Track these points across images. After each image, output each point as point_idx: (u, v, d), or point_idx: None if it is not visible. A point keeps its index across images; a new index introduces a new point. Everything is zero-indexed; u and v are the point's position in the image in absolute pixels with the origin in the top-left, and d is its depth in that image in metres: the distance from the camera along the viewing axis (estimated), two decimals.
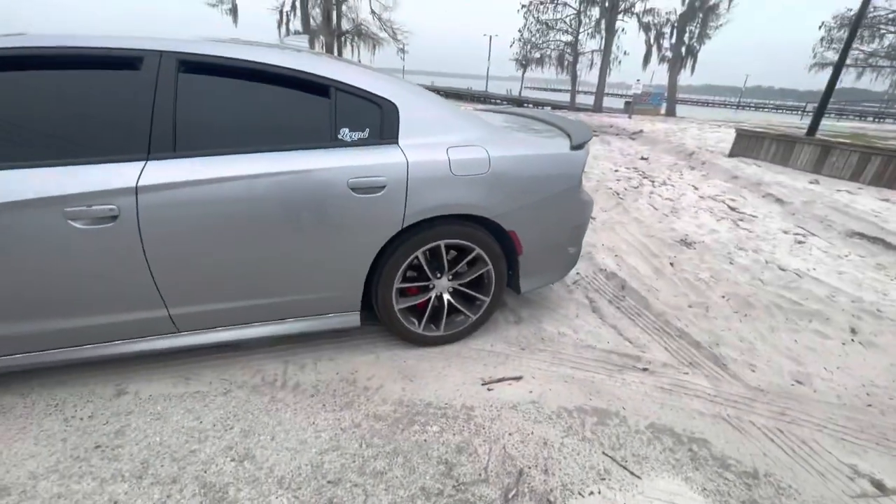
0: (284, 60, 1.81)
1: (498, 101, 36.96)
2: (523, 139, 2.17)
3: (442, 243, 2.07)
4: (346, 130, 1.88)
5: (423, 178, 1.91)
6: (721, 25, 21.90)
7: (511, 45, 27.49)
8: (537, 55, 26.76)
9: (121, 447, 1.63)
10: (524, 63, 27.56)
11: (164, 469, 1.55)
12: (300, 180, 1.76)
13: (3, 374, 1.85)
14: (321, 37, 21.98)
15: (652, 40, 23.35)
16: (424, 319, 2.24)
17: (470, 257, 2.17)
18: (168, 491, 1.47)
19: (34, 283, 1.61)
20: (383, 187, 1.86)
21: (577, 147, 2.22)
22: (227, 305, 1.87)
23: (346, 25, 22.95)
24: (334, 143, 1.86)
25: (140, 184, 1.60)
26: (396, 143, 1.92)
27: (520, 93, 40.94)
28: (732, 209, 5.02)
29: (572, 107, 25.35)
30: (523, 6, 24.64)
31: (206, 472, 1.54)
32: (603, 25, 23.18)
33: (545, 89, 72.59)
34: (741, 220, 4.64)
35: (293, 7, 20.75)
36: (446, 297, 2.26)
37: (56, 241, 1.57)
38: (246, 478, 1.53)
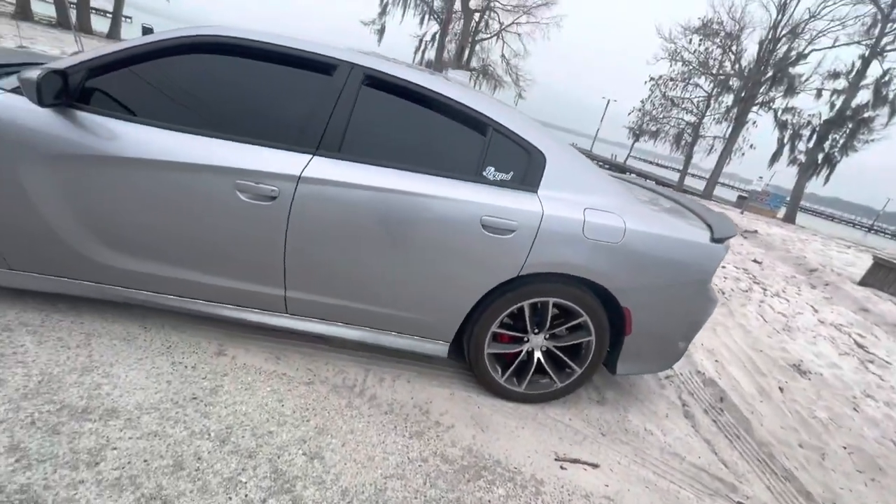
0: (455, 93, 1.91)
1: (601, 163, 36.46)
2: (662, 218, 2.07)
3: (551, 300, 2.00)
4: (492, 169, 1.91)
5: (554, 231, 1.88)
6: (871, 141, 19.95)
7: (629, 113, 27.19)
8: (653, 128, 26.16)
9: (212, 405, 1.73)
10: (637, 133, 27.05)
11: (244, 441, 1.61)
12: (438, 205, 1.81)
13: (135, 307, 2.06)
14: (449, 69, 23.39)
15: (786, 139, 21.84)
16: (509, 371, 2.16)
17: (574, 322, 2.07)
18: (244, 464, 1.51)
19: (191, 236, 1.80)
20: (513, 231, 1.85)
21: (717, 240, 2.07)
22: (335, 301, 1.95)
23: (474, 63, 24.21)
24: (478, 178, 1.90)
25: (303, 174, 1.74)
26: (536, 191, 1.92)
27: (625, 160, 40.08)
28: (860, 346, 4.38)
29: (679, 187, 24.25)
30: (652, 79, 24.39)
31: (279, 457, 1.58)
32: (733, 114, 22.16)
33: (651, 162, 70.44)
34: (871, 361, 4.02)
35: (432, 38, 22.36)
36: (538, 354, 2.17)
37: (220, 206, 1.75)
38: (314, 477, 1.54)
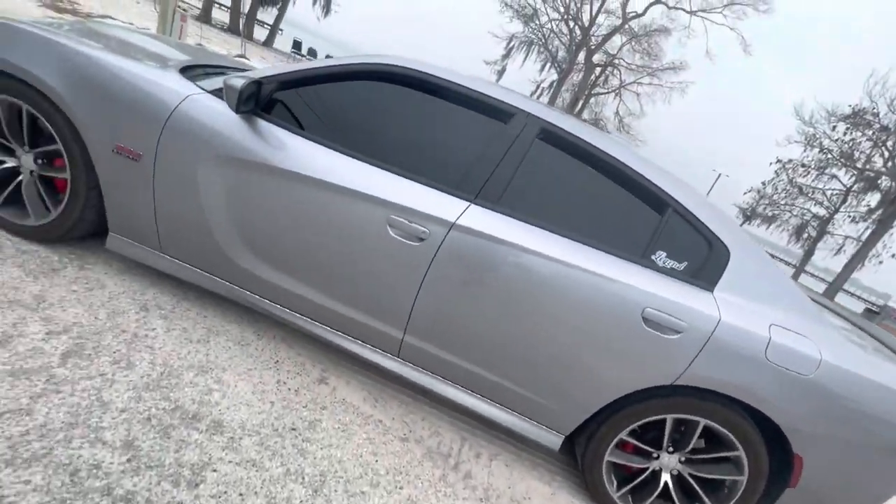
0: (634, 163, 1.71)
1: None
2: (870, 359, 1.65)
3: (702, 422, 1.66)
4: (663, 255, 1.66)
5: (729, 344, 1.56)
6: None
7: (745, 193, 25.05)
8: (770, 213, 23.77)
9: (309, 442, 1.61)
10: (749, 215, 24.72)
11: (336, 497, 1.45)
12: (594, 283, 1.59)
13: (255, 312, 2.06)
14: None
15: None
16: (627, 488, 1.82)
17: (723, 454, 1.70)
18: None
19: (329, 258, 1.74)
20: (679, 333, 1.57)
21: None
22: (454, 359, 1.78)
23: (586, 115, 24.00)
24: (645, 261, 1.65)
25: (458, 222, 1.62)
26: (712, 291, 1.63)
27: None
28: None
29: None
30: (779, 161, 22.35)
31: None
32: (878, 216, 19.45)
33: None
34: None
35: (550, 85, 22.61)
36: (666, 477, 1.81)
37: (366, 236, 1.68)
38: None
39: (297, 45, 17.66)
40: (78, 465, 1.22)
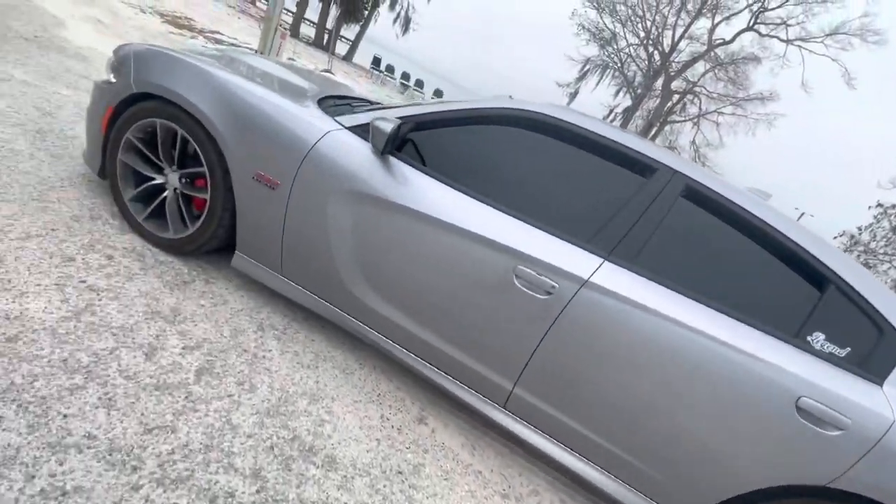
0: (791, 231, 1.55)
1: None
2: None
3: None
4: (821, 337, 1.48)
5: None
6: None
7: (835, 238, 22.81)
8: (865, 262, 21.41)
9: (415, 489, 1.58)
10: None
11: None
12: (738, 360, 1.45)
13: (357, 340, 2.09)
14: None
15: None
16: None
17: None
18: None
19: (447, 299, 1.72)
20: (841, 430, 1.38)
21: None
22: (567, 420, 1.68)
23: (659, 142, 23.05)
24: (798, 342, 1.48)
25: (591, 279, 1.54)
26: (881, 385, 1.43)
27: None
28: None
29: None
30: (881, 206, 20.19)
31: None
32: None
33: None
34: None
35: (624, 111, 21.98)
36: None
37: (489, 282, 1.64)
38: None
39: (376, 62, 18.40)
40: (216, 491, 1.26)
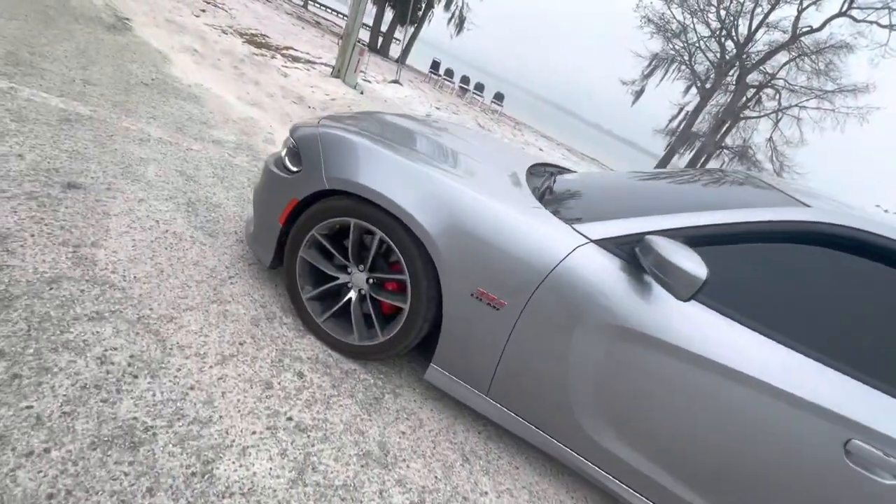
0: None
1: None
2: None
3: None
4: None
5: None
6: None
7: None
8: None
9: None
10: None
11: None
12: None
13: (558, 463, 1.79)
14: (696, 142, 21.21)
15: None
16: None
17: None
18: None
19: (733, 459, 1.38)
20: None
21: None
22: None
23: (729, 141, 21.47)
24: None
25: None
26: None
27: None
28: None
29: None
30: None
31: None
32: None
33: None
34: None
35: (694, 109, 20.61)
36: None
37: (803, 454, 1.28)
38: None
39: (435, 66, 18.01)
40: None
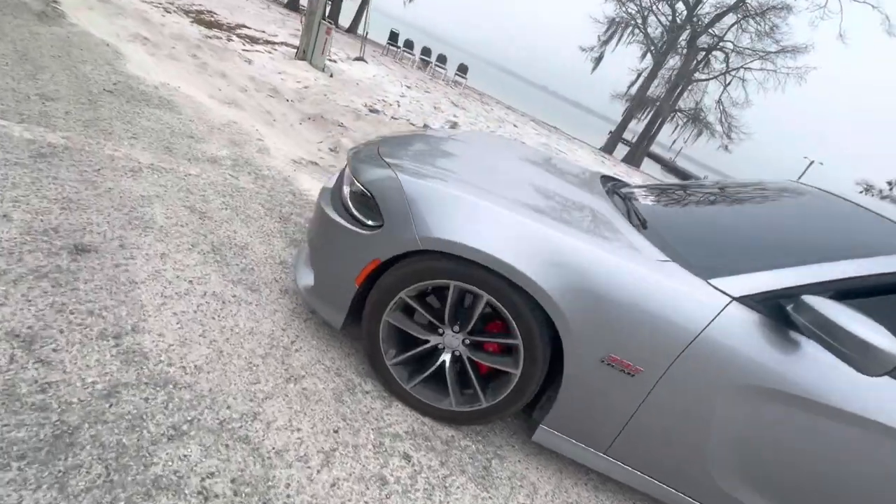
0: None
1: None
2: None
3: None
4: None
5: None
6: None
7: (860, 191, 22.41)
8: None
9: None
10: None
11: None
12: None
13: None
14: (653, 105, 21.69)
15: None
16: None
17: None
18: None
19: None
20: None
21: None
22: None
23: (682, 104, 22.14)
24: None
25: None
26: None
27: None
28: None
29: None
30: None
31: None
32: None
33: None
34: None
35: (649, 74, 20.93)
36: None
37: None
38: None
39: (393, 37, 17.02)
40: None
